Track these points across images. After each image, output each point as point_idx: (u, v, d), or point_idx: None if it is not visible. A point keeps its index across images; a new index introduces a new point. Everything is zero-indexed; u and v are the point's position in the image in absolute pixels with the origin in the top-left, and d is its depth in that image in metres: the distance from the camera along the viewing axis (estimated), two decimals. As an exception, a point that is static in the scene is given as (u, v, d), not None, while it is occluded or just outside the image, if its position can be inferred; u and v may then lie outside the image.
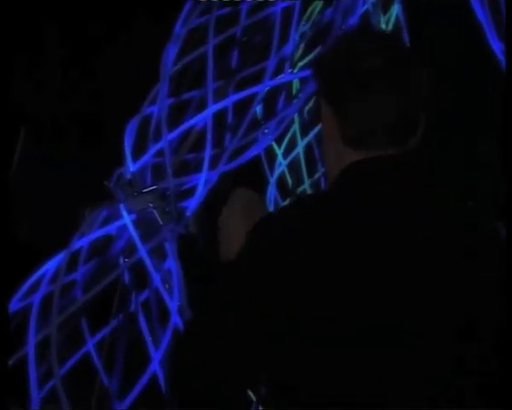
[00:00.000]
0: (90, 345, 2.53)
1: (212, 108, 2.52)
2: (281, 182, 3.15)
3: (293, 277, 1.40)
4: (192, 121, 2.53)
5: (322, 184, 3.05)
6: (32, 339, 2.36)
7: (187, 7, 2.73)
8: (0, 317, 1.99)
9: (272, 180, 3.14)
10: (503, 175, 1.95)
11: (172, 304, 2.42)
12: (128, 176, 2.47)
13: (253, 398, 2.80)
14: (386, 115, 1.49)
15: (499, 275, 1.48)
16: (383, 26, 2.77)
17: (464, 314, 1.46)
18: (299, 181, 3.10)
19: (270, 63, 2.60)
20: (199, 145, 2.52)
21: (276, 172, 3.13)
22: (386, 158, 1.49)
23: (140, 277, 2.45)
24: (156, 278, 2.42)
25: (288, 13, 2.69)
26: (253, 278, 1.42)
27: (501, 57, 2.45)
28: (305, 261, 1.41)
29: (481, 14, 2.48)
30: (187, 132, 2.53)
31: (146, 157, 2.51)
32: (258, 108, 2.65)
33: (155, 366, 2.43)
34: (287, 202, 3.02)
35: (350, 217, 1.45)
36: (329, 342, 1.40)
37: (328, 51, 1.61)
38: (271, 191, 3.13)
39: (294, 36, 2.70)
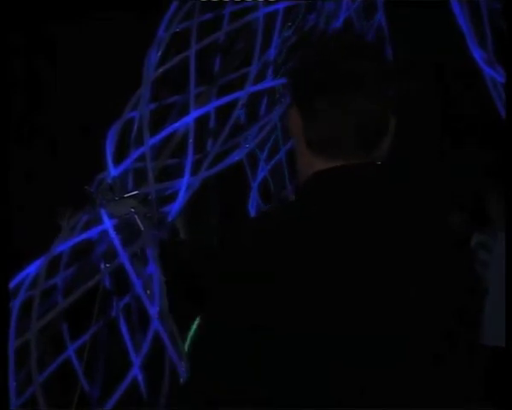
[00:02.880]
0: (70, 350, 2.52)
1: (195, 114, 2.51)
2: (263, 187, 3.16)
3: (266, 295, 1.40)
4: (174, 126, 2.52)
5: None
6: (12, 344, 2.35)
7: (170, 11, 2.72)
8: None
9: (255, 185, 3.15)
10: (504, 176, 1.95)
11: (153, 310, 2.41)
12: (109, 181, 2.46)
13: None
14: (348, 122, 1.47)
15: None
16: (365, 32, 2.77)
17: (446, 319, 1.46)
18: (281, 186, 3.10)
19: (253, 69, 2.59)
20: (181, 150, 2.51)
21: (259, 177, 3.14)
22: (351, 167, 1.48)
23: (121, 282, 2.44)
24: (137, 284, 2.41)
25: (271, 18, 2.69)
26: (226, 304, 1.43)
27: (482, 65, 2.46)
28: (276, 278, 1.40)
29: (463, 23, 2.49)
30: (169, 137, 2.52)
31: (127, 162, 2.50)
32: (241, 114, 2.65)
33: (136, 371, 2.43)
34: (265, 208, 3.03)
35: (319, 230, 1.43)
36: (309, 357, 1.39)
37: (300, 57, 1.59)
38: (254, 196, 3.13)
39: (277, 41, 2.69)
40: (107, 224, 2.42)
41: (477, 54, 2.46)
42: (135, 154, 2.50)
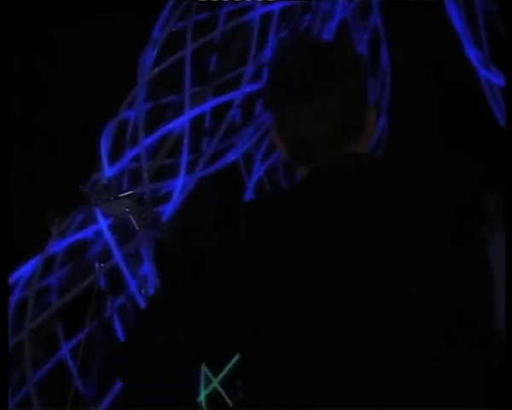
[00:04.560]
0: (64, 350, 2.52)
1: (190, 113, 2.51)
2: (259, 186, 3.16)
3: (265, 295, 1.40)
4: (169, 126, 2.52)
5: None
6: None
7: (166, 11, 2.72)
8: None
9: (250, 185, 3.14)
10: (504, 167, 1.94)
11: (148, 310, 2.41)
12: (104, 181, 2.46)
13: (230, 403, 2.81)
14: (320, 124, 1.48)
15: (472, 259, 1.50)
16: (361, 33, 2.77)
17: (452, 307, 1.46)
18: (276, 186, 3.10)
19: (249, 69, 2.59)
20: (176, 150, 2.51)
21: (254, 177, 3.14)
22: (341, 161, 1.49)
23: (116, 282, 2.44)
24: (132, 284, 2.41)
25: (266, 18, 2.69)
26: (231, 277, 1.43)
27: (476, 65, 2.46)
28: (276, 278, 1.41)
29: (458, 23, 2.49)
30: (164, 137, 2.52)
31: (122, 162, 2.50)
32: (236, 114, 2.65)
33: (131, 372, 2.42)
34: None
35: (318, 228, 1.44)
36: (309, 357, 1.39)
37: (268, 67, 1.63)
38: (249, 196, 3.13)
39: (273, 41, 2.69)
40: (102, 223, 2.42)
41: (472, 55, 2.46)
42: (130, 153, 2.50)
